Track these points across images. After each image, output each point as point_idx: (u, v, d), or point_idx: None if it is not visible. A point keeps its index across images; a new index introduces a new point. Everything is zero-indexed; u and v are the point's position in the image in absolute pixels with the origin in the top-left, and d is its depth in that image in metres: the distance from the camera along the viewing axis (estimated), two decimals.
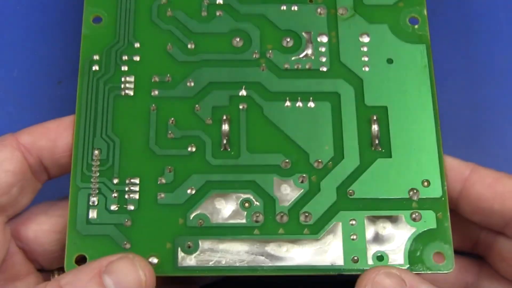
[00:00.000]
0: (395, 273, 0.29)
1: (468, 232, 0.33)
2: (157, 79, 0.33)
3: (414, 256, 0.31)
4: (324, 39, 0.34)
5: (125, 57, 0.33)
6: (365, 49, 0.34)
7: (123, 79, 0.33)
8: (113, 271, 0.28)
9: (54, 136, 0.32)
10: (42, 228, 0.32)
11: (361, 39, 0.34)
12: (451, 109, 0.38)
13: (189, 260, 0.30)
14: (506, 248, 0.32)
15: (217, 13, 0.34)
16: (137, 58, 0.33)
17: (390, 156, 0.32)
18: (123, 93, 0.33)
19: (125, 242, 0.31)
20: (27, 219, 0.32)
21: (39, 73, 0.40)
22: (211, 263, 0.30)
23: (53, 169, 0.32)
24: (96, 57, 0.33)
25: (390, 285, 0.29)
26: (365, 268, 0.30)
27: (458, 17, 0.42)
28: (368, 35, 0.34)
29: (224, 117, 0.32)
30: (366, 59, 0.34)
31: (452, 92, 0.40)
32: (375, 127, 0.32)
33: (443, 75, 0.38)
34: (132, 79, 0.33)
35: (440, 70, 0.35)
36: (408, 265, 0.31)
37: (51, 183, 0.33)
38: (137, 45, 0.34)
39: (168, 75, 0.33)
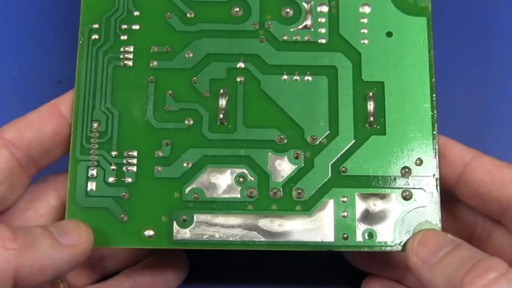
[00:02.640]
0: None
1: (462, 227, 0.34)
2: (156, 49, 0.33)
3: (402, 234, 0.31)
4: (324, 9, 0.34)
5: (124, 26, 0.34)
6: (365, 20, 0.34)
7: (122, 49, 0.33)
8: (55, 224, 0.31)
9: (39, 126, 0.32)
10: (27, 215, 0.33)
11: (361, 10, 0.34)
12: (452, 108, 0.38)
13: (184, 234, 0.32)
14: (500, 242, 0.33)
15: None
16: (136, 27, 0.34)
17: (385, 134, 0.32)
18: (122, 63, 0.33)
19: (122, 215, 0.32)
20: (12, 209, 0.33)
21: (39, 73, 0.40)
22: (205, 237, 0.32)
23: (42, 159, 0.33)
24: (95, 26, 0.33)
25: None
26: (354, 245, 0.31)
27: (460, 17, 0.41)
28: (369, 6, 0.34)
29: (222, 91, 0.33)
30: (365, 31, 0.33)
31: (453, 91, 0.40)
32: (370, 104, 0.32)
33: (444, 75, 0.37)
34: (131, 49, 0.33)
35: (441, 70, 0.35)
36: (397, 243, 0.31)
37: None
38: (136, 13, 0.34)
39: (167, 46, 0.33)
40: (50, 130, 0.32)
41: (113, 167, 0.32)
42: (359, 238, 0.31)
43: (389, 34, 0.33)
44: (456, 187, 0.32)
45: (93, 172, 0.32)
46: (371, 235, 0.31)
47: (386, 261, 0.35)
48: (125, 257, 0.35)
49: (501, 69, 0.40)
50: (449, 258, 0.29)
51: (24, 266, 0.28)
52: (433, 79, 0.33)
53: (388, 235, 0.31)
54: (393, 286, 0.35)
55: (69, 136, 0.33)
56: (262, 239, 0.31)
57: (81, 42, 0.33)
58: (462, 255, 0.29)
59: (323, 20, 0.34)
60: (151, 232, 0.32)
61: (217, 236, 0.32)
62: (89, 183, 0.32)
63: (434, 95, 0.33)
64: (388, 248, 0.31)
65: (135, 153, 0.32)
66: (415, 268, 0.30)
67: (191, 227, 0.32)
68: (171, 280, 0.35)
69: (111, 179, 0.32)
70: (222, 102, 0.32)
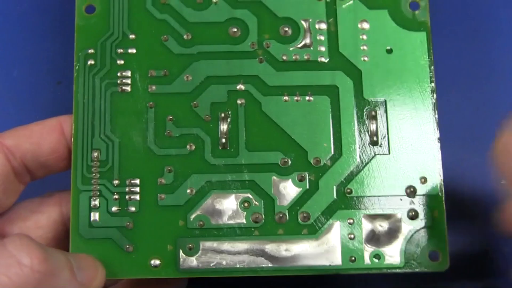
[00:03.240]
0: None
1: None
2: (153, 73, 0.33)
3: (410, 254, 0.31)
4: (323, 26, 0.33)
5: (120, 50, 0.33)
6: (364, 37, 0.33)
7: (119, 74, 0.33)
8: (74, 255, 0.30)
9: (38, 140, 0.32)
10: (27, 225, 0.32)
11: (360, 26, 0.33)
12: (452, 109, 0.38)
13: (191, 262, 0.31)
14: None
15: (213, 0, 0.33)
16: (133, 51, 0.33)
17: (389, 153, 0.32)
18: (120, 89, 0.33)
19: (127, 246, 0.31)
20: (11, 216, 0.32)
21: (39, 73, 0.40)
22: (212, 265, 0.31)
23: (37, 171, 0.32)
24: (91, 51, 0.33)
25: None
26: (362, 268, 0.31)
27: (459, 17, 0.41)
28: (367, 22, 0.33)
29: (223, 115, 0.32)
30: (365, 48, 0.33)
31: (453, 92, 0.39)
32: (373, 123, 0.32)
33: (444, 75, 0.37)
34: (128, 73, 0.33)
35: (441, 70, 0.34)
36: (404, 264, 0.31)
37: (36, 182, 0.33)
38: (132, 36, 0.33)
39: (165, 70, 0.33)
40: (48, 147, 0.32)
41: (116, 196, 0.32)
42: (366, 260, 0.31)
43: (389, 51, 0.33)
44: None
45: (96, 202, 0.32)
46: (378, 256, 0.31)
47: None
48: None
49: (502, 74, 0.40)
50: None
51: None
52: (435, 95, 0.33)
53: (396, 256, 0.31)
54: None
55: (67, 156, 0.32)
56: (270, 265, 0.31)
57: (77, 68, 0.33)
58: None
59: (322, 38, 0.33)
60: (157, 262, 0.31)
61: (224, 263, 0.31)
62: (92, 214, 0.32)
63: (436, 112, 0.32)
64: (397, 270, 0.31)
65: (137, 181, 0.32)
66: None
67: (198, 255, 0.31)
68: None
69: (114, 209, 0.32)
70: (224, 126, 0.32)
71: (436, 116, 0.32)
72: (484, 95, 0.40)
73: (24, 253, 0.27)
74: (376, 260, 0.31)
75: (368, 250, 0.31)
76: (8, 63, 0.40)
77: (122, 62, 0.33)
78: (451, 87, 0.39)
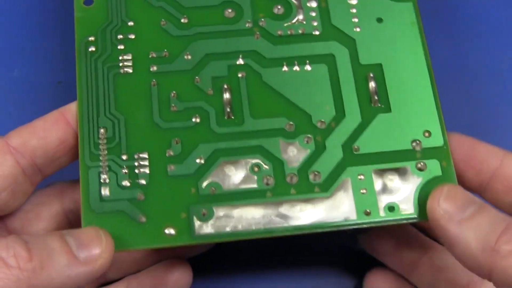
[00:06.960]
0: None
1: None
2: (154, 55, 0.33)
3: (423, 205, 0.31)
4: (314, 3, 0.35)
5: (120, 36, 0.34)
6: (354, 10, 0.35)
7: (120, 58, 0.33)
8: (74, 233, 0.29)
9: (43, 134, 0.31)
10: (28, 217, 0.32)
11: (349, 1, 0.35)
12: (451, 107, 0.39)
13: (206, 228, 0.31)
14: None
15: None
16: (132, 36, 0.34)
17: (390, 111, 0.33)
18: (122, 71, 0.33)
19: (140, 216, 0.31)
20: (16, 210, 0.32)
21: (39, 73, 0.40)
22: (227, 229, 0.31)
23: (47, 167, 0.32)
24: (91, 38, 0.33)
25: None
26: (377, 220, 0.31)
27: (456, 15, 0.43)
28: None
29: (225, 86, 0.33)
30: (356, 20, 0.34)
31: (451, 89, 0.41)
32: (372, 84, 0.33)
33: (442, 73, 0.38)
34: (129, 56, 0.33)
35: (440, 68, 0.35)
36: (418, 214, 0.31)
37: None
38: (131, 23, 0.34)
39: (165, 50, 0.33)
40: (55, 138, 0.32)
41: (125, 170, 0.31)
42: (381, 213, 0.31)
43: (380, 20, 0.34)
44: (488, 187, 0.32)
45: (105, 177, 0.31)
46: (392, 208, 0.31)
47: (399, 250, 0.35)
48: (128, 266, 0.35)
49: (499, 69, 0.41)
50: (479, 217, 0.29)
51: (37, 287, 0.27)
52: (429, 57, 0.34)
53: (410, 207, 0.31)
54: (397, 282, 0.35)
55: (75, 145, 0.32)
56: (285, 225, 0.31)
57: (78, 55, 0.33)
58: (492, 215, 0.29)
59: (314, 14, 0.34)
60: (171, 230, 0.31)
61: (239, 227, 0.31)
62: (102, 188, 0.31)
63: (431, 69, 0.33)
64: (413, 219, 0.31)
65: (145, 155, 0.32)
66: (441, 221, 0.29)
67: (212, 220, 0.31)
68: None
69: (124, 182, 0.31)
70: (227, 95, 0.33)
71: (432, 72, 0.33)
72: (483, 93, 0.41)
73: (10, 254, 0.27)
74: (391, 212, 0.31)
75: (382, 202, 0.31)
76: (8, 63, 0.40)
77: (122, 47, 0.33)
78: (450, 85, 0.40)
